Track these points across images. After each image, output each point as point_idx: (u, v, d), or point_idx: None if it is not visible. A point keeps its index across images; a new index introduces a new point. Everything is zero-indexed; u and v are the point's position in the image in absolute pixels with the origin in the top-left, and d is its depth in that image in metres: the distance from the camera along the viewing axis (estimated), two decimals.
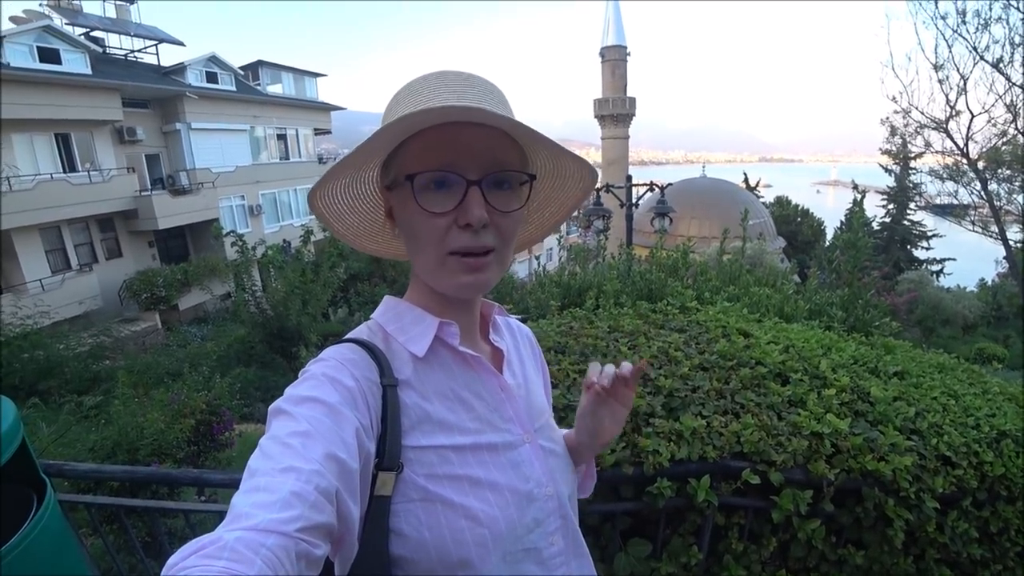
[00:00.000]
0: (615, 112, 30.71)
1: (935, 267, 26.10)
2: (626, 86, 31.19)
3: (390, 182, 0.65)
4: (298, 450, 0.48)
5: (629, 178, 8.50)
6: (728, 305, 3.03)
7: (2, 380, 7.22)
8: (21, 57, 13.88)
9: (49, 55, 14.51)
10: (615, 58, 31.01)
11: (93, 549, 2.48)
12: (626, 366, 0.71)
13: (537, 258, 16.78)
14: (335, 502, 0.47)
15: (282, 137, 24.69)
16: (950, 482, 1.73)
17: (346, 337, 0.67)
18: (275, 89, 24.72)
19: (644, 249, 6.17)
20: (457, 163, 0.59)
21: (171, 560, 0.37)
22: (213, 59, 20.23)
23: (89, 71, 15.75)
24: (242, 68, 22.89)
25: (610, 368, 0.72)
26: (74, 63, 15.24)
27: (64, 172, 15.30)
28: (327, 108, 27.81)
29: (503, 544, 0.62)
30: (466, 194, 0.59)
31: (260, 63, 23.49)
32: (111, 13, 19.03)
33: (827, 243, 23.94)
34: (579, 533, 0.75)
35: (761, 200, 28.49)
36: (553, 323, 2.72)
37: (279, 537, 0.40)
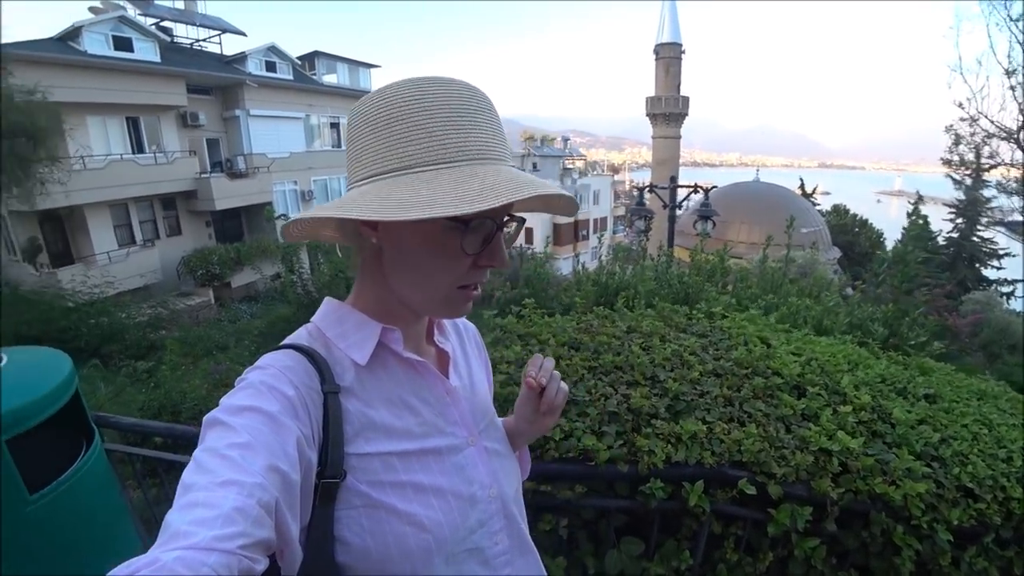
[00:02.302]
0: (667, 111, 30.13)
1: (1005, 288, 24.49)
2: (680, 85, 30.55)
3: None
4: (238, 462, 0.47)
5: (673, 179, 8.33)
6: (754, 313, 2.95)
7: (69, 342, 7.73)
8: (98, 45, 14.85)
9: (123, 43, 15.45)
10: (669, 56, 30.40)
11: (136, 501, 2.69)
12: (549, 363, 0.75)
13: (578, 256, 16.69)
14: (274, 516, 0.46)
15: (335, 126, 25.27)
16: (970, 515, 1.64)
17: (285, 343, 0.66)
18: (330, 79, 25.36)
19: (687, 252, 6.03)
20: (494, 209, 0.57)
21: None
22: (272, 49, 20.97)
23: (158, 59, 16.64)
24: (299, 58, 23.62)
25: (549, 363, 0.74)
26: (145, 51, 16.13)
27: (132, 153, 16.29)
28: None
29: (446, 547, 0.62)
30: (494, 237, 0.61)
31: (317, 53, 24.17)
32: (179, 4, 20.11)
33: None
34: (525, 531, 0.76)
35: (817, 208, 27.35)
36: (573, 320, 2.72)
37: (221, 555, 0.39)
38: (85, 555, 1.87)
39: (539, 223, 36.23)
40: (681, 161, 31.42)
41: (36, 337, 7.04)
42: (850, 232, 26.90)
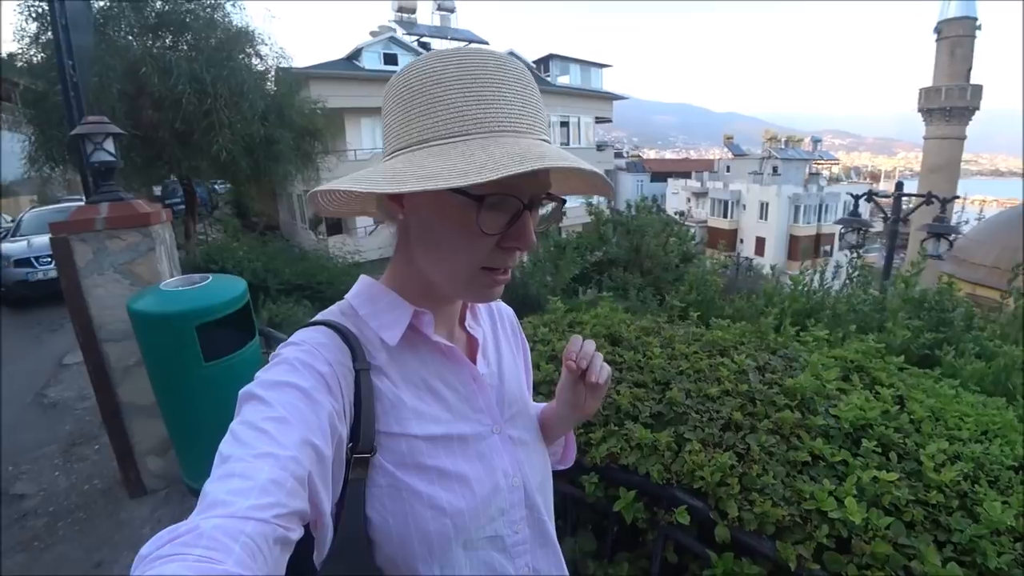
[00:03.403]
0: (947, 104, 24.19)
1: None
2: (969, 70, 24.19)
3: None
4: (273, 436, 0.48)
5: (899, 185, 6.74)
6: (873, 346, 2.35)
7: (322, 292, 9.50)
8: (373, 61, 18.54)
9: (391, 59, 18.98)
10: (956, 34, 24.24)
11: None
12: (589, 345, 0.73)
13: (819, 272, 14.73)
14: (308, 488, 0.48)
15: (565, 124, 26.47)
16: None
17: (318, 319, 0.67)
18: (563, 80, 26.64)
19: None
20: (517, 186, 0.55)
21: (144, 550, 0.37)
22: (512, 54, 22.89)
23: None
24: (535, 61, 25.32)
25: (590, 345, 0.73)
26: (406, 64, 19.42)
27: None
28: (610, 97, 28.81)
29: (465, 533, 0.63)
30: (520, 217, 0.58)
31: (551, 56, 25.59)
32: (436, 22, 23.27)
33: None
34: (547, 523, 0.75)
35: None
36: (650, 321, 2.58)
37: (258, 524, 0.40)
38: (232, 409, 2.82)
39: (774, 235, 32.67)
40: (972, 168, 25.09)
41: (300, 285, 8.91)
42: None
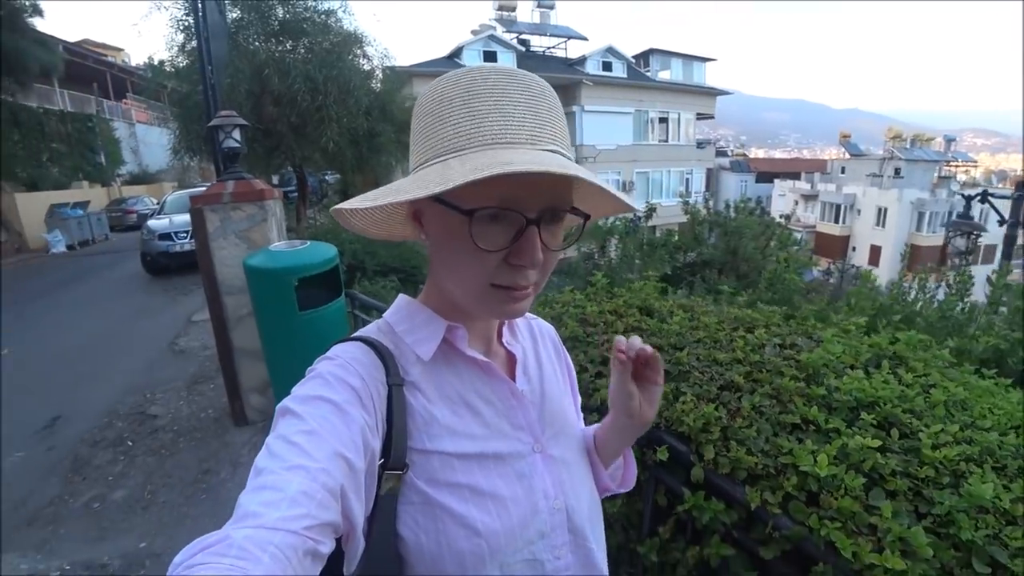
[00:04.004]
0: None
1: None
2: None
3: (434, 196, 0.60)
4: (305, 449, 0.48)
5: (1022, 184, 6.08)
6: (921, 338, 2.32)
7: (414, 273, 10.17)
8: (473, 59, 19.12)
9: (490, 56, 19.48)
10: None
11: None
12: (635, 341, 0.69)
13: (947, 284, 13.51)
14: (340, 500, 0.48)
15: (664, 120, 25.79)
16: None
17: (355, 335, 0.68)
18: (664, 75, 25.96)
19: None
20: (517, 199, 0.55)
21: (177, 558, 0.38)
22: (610, 50, 22.74)
23: (514, 66, 20.16)
24: (635, 56, 24.89)
25: (635, 340, 0.69)
26: (505, 60, 19.82)
27: None
28: (713, 93, 27.67)
29: (500, 555, 0.60)
30: (524, 233, 0.56)
31: (652, 51, 25.05)
32: (536, 19, 23.51)
33: None
34: (595, 551, 0.71)
35: None
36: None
37: (287, 535, 0.40)
38: (323, 347, 3.33)
39: (891, 244, 29.81)
40: None
41: (395, 268, 9.57)
42: None
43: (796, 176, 42.06)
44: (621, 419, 0.73)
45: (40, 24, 14.76)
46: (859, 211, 33.10)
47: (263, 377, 3.64)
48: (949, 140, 40.25)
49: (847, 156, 41.30)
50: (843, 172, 39.72)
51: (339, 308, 3.38)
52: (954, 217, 6.56)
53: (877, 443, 1.42)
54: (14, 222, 13.98)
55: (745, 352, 1.91)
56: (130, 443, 3.71)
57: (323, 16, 9.73)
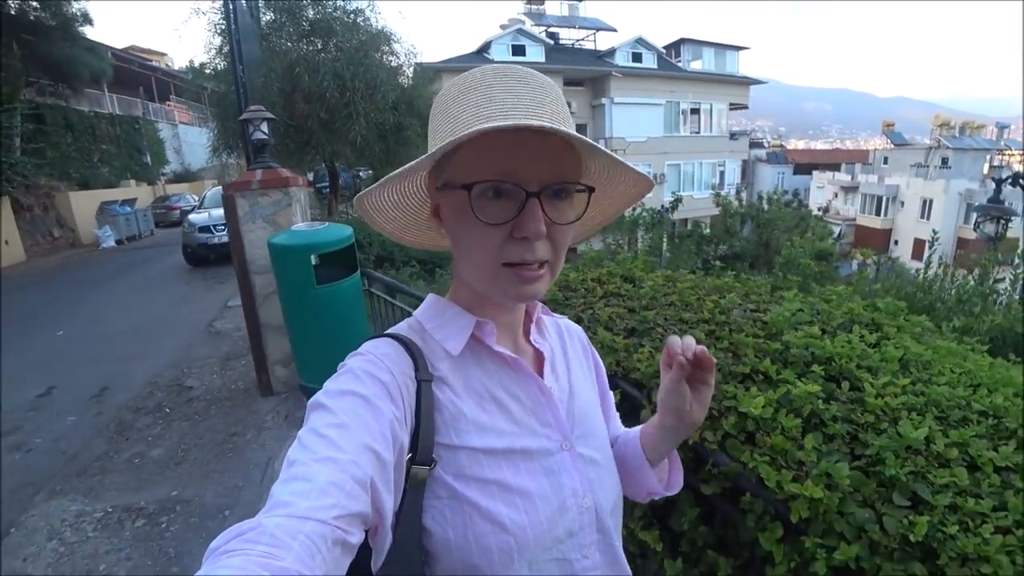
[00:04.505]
0: None
1: None
2: None
3: (441, 184, 0.62)
4: (335, 441, 0.49)
5: None
6: (897, 305, 2.38)
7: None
8: (502, 53, 19.28)
9: (519, 50, 19.64)
10: None
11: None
12: (690, 341, 0.68)
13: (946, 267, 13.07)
14: (370, 492, 0.48)
15: (696, 111, 25.42)
16: None
17: (385, 332, 0.69)
18: (696, 65, 25.55)
19: None
20: (517, 173, 0.56)
21: (213, 544, 0.39)
22: (639, 41, 22.55)
23: (543, 59, 20.20)
24: (666, 47, 24.60)
25: (690, 340, 0.68)
26: (534, 54, 19.89)
27: None
28: (747, 82, 27.11)
29: (528, 553, 0.60)
30: (525, 206, 0.57)
31: (683, 40, 24.69)
32: (564, 12, 23.49)
33: None
34: (619, 551, 0.72)
35: None
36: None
37: (316, 524, 0.41)
38: (339, 321, 3.56)
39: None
40: None
41: (422, 260, 9.80)
42: None
43: (836, 167, 40.72)
44: (669, 420, 0.72)
45: (90, 32, 15.67)
46: (902, 203, 31.84)
47: (286, 351, 3.92)
48: (1002, 127, 38.36)
49: (890, 146, 39.81)
50: (886, 163, 38.29)
51: (354, 284, 3.62)
52: (983, 204, 6.39)
53: (816, 389, 1.52)
54: (68, 219, 14.90)
55: (713, 313, 2.02)
56: (168, 410, 4.06)
57: (351, 16, 10.07)
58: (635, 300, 2.18)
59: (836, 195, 36.37)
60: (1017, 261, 4.22)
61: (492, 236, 0.58)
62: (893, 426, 1.43)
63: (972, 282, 4.17)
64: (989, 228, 6.38)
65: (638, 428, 0.81)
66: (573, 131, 0.55)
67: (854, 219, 33.71)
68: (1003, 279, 4.21)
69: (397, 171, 0.59)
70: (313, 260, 3.35)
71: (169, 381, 4.66)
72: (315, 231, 3.47)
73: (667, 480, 0.83)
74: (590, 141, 0.56)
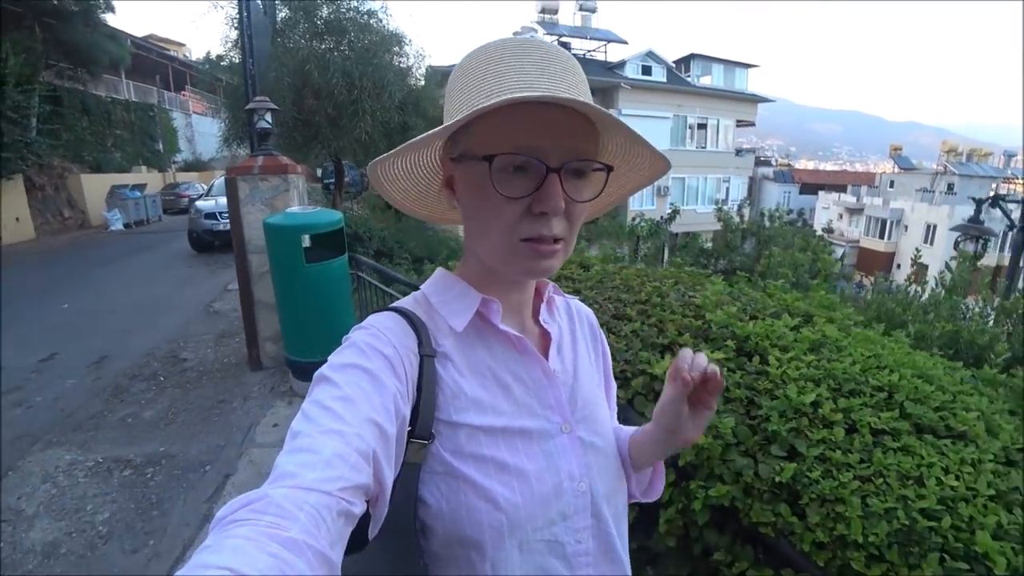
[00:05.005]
0: None
1: None
2: None
3: (458, 155, 0.61)
4: (339, 414, 0.50)
5: None
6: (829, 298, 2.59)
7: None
8: None
9: None
10: None
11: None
12: (701, 359, 0.64)
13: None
14: (372, 464, 0.49)
15: (703, 126, 25.62)
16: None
17: (390, 306, 0.68)
18: (705, 80, 25.80)
19: None
20: (538, 148, 0.55)
21: (221, 512, 0.40)
22: (649, 54, 22.85)
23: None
24: (676, 61, 24.88)
25: (701, 358, 0.64)
26: None
27: None
28: (754, 100, 27.33)
29: (520, 532, 0.61)
30: (545, 181, 0.56)
31: (693, 56, 24.99)
32: (577, 22, 23.81)
33: None
34: (615, 538, 0.71)
35: None
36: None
37: (321, 495, 0.42)
38: (325, 298, 3.77)
39: (939, 262, 28.62)
40: None
41: (421, 258, 10.10)
42: None
43: (842, 189, 40.87)
44: (662, 434, 0.71)
45: (111, 19, 16.05)
46: (906, 227, 31.97)
47: (276, 328, 4.14)
48: (1009, 156, 38.43)
49: (897, 170, 39.95)
50: (892, 186, 38.41)
51: (342, 264, 3.84)
52: (963, 223, 6.57)
53: (723, 356, 1.75)
54: (79, 200, 15.23)
55: (650, 295, 2.23)
56: (162, 378, 4.31)
57: (364, 16, 10.37)
58: (583, 283, 2.39)
59: (841, 216, 36.50)
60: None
61: (510, 210, 0.57)
62: (782, 391, 1.63)
63: (941, 296, 4.37)
64: (968, 247, 6.56)
65: (628, 430, 0.80)
66: (598, 107, 0.54)
67: (858, 241, 33.83)
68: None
69: (415, 139, 0.58)
70: (305, 241, 3.57)
71: (165, 353, 4.91)
72: (308, 214, 3.70)
73: (648, 487, 0.83)
74: (613, 115, 0.56)
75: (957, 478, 1.31)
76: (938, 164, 36.59)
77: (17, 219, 12.42)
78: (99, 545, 2.40)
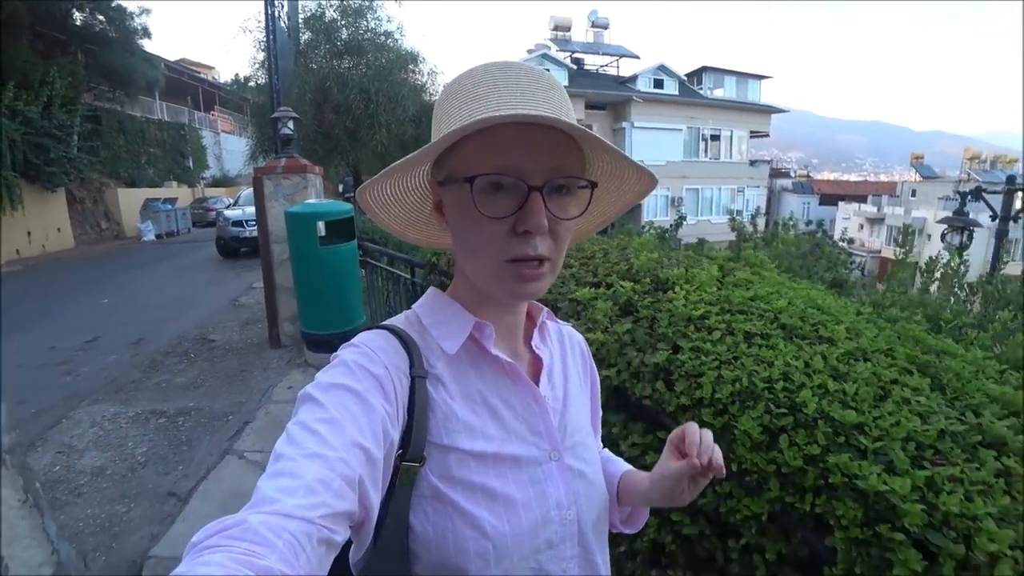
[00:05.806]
0: None
1: None
2: None
3: (443, 178, 0.60)
4: (324, 437, 0.48)
5: (1011, 179, 6.26)
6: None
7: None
8: None
9: None
10: None
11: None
12: (708, 439, 0.65)
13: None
14: (357, 489, 0.47)
15: (716, 138, 25.83)
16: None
17: (382, 324, 0.66)
18: (717, 93, 26.08)
19: None
20: (520, 167, 0.55)
21: (195, 537, 0.38)
22: (661, 67, 23.27)
23: (566, 83, 20.99)
24: (688, 74, 25.25)
25: (708, 440, 0.65)
26: (557, 77, 20.25)
27: None
28: (768, 110, 27.51)
29: (506, 560, 0.59)
30: (527, 200, 0.55)
31: (704, 68, 25.33)
32: (590, 39, 24.40)
33: None
34: (600, 568, 0.70)
35: None
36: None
37: (301, 523, 0.40)
38: (336, 277, 4.23)
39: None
40: None
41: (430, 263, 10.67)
42: None
43: (863, 199, 40.43)
44: (657, 495, 0.72)
45: (147, 44, 17.14)
46: (928, 236, 31.50)
47: (294, 310, 4.64)
48: None
49: (918, 178, 39.49)
50: (914, 195, 37.96)
51: (351, 248, 4.33)
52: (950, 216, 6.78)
53: (632, 285, 2.09)
54: (115, 213, 16.22)
55: (593, 253, 2.60)
56: (192, 355, 4.85)
57: (382, 37, 11.05)
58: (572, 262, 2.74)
59: (861, 226, 36.14)
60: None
61: (494, 230, 0.56)
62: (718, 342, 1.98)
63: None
64: (954, 239, 6.77)
65: (622, 469, 0.81)
66: (576, 125, 0.54)
67: (879, 251, 33.40)
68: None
69: (397, 162, 0.57)
70: (321, 228, 4.05)
71: (195, 335, 5.47)
72: (322, 204, 4.22)
73: (629, 518, 0.83)
74: (592, 133, 0.55)
75: (806, 364, 1.66)
76: (961, 172, 36.08)
77: (59, 229, 13.33)
78: (137, 469, 2.87)
